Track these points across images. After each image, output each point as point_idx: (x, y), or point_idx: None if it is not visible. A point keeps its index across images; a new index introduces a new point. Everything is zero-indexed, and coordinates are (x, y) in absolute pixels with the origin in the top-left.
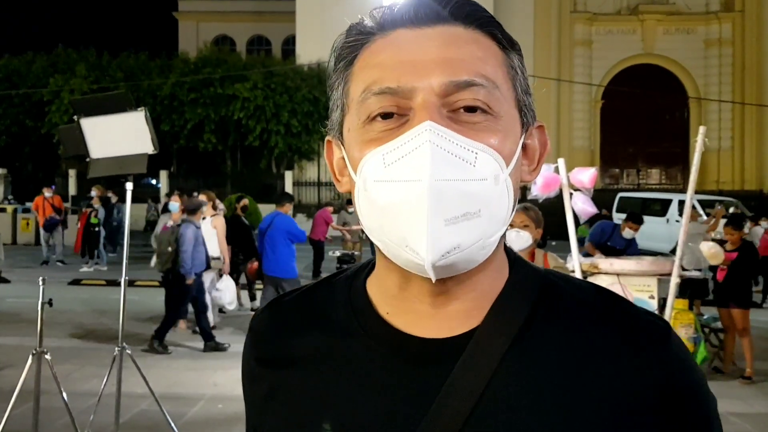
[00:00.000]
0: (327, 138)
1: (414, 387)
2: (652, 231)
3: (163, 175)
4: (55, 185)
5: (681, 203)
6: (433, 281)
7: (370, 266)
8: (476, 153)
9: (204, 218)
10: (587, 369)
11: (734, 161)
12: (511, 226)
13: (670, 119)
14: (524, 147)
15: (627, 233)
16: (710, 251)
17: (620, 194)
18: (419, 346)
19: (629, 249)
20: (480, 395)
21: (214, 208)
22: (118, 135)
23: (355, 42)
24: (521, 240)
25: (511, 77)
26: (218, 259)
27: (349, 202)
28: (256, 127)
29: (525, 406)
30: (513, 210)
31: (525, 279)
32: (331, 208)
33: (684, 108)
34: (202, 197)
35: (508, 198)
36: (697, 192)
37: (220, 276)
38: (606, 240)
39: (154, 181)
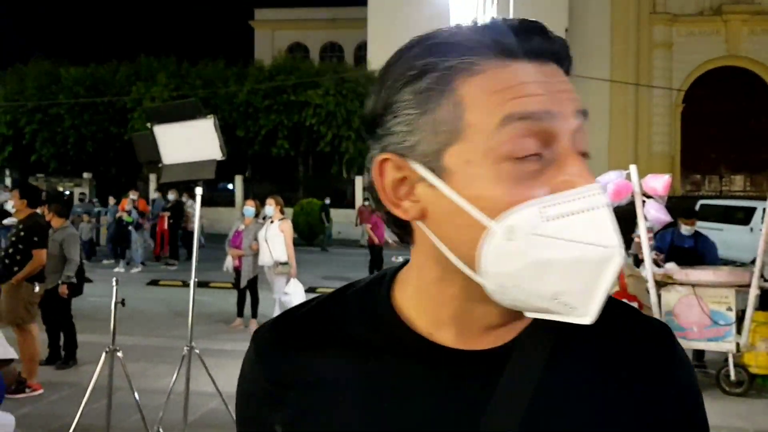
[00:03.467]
0: (383, 156)
1: (460, 401)
2: (735, 240)
3: (238, 180)
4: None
5: (765, 211)
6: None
7: (388, 278)
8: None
9: (272, 222)
10: (620, 372)
11: None
12: None
13: (755, 123)
14: None
15: (685, 230)
16: None
17: (701, 201)
18: (459, 358)
19: (700, 244)
20: (529, 404)
21: (282, 212)
22: (189, 141)
23: (460, 64)
24: None
25: None
26: (286, 264)
27: None
28: (327, 133)
29: (567, 411)
30: None
31: None
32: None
33: None
34: (270, 201)
35: None
36: None
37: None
38: (671, 244)
39: (230, 186)
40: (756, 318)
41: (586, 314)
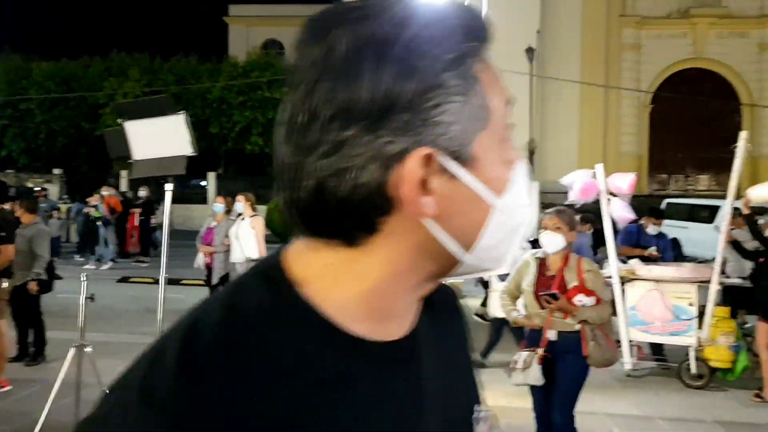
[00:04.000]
0: (425, 151)
1: (400, 395)
2: (699, 238)
3: (211, 176)
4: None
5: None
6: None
7: (287, 286)
8: None
9: (243, 219)
10: (454, 340)
11: None
12: (545, 228)
13: (721, 124)
14: None
15: (652, 229)
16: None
17: (667, 200)
18: (388, 349)
19: (661, 243)
20: (441, 389)
21: (253, 209)
22: (159, 137)
23: (472, 48)
24: (553, 243)
25: None
26: (257, 260)
27: None
28: None
29: (450, 390)
30: None
31: None
32: None
33: (736, 113)
34: (240, 198)
35: None
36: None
37: None
38: (636, 240)
39: (203, 183)
40: (716, 313)
41: (505, 264)
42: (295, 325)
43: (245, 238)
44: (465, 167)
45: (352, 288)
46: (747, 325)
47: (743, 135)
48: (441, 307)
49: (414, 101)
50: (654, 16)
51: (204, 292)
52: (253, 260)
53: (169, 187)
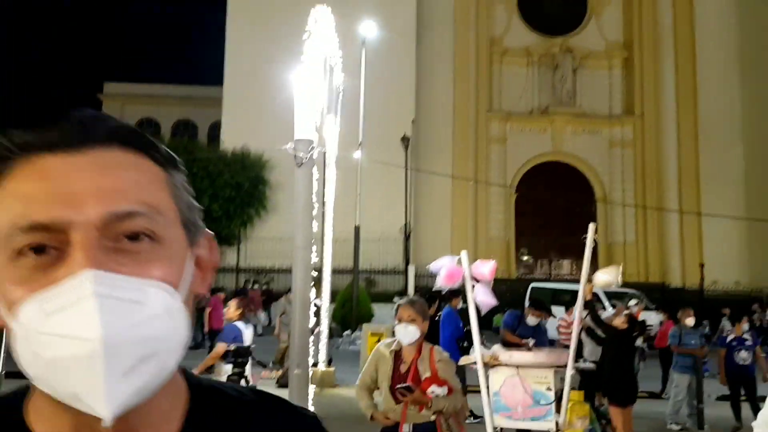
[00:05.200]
0: None
1: None
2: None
3: None
4: None
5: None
6: (110, 428)
7: (20, 395)
8: (144, 290)
9: None
10: None
11: (638, 254)
12: (399, 320)
13: (579, 213)
14: (196, 259)
15: (531, 320)
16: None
17: (532, 284)
18: None
19: (537, 336)
20: None
21: None
22: None
23: None
24: (409, 334)
25: (174, 196)
26: None
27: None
28: None
29: None
30: (190, 331)
31: (202, 392)
32: (222, 295)
33: (592, 202)
34: None
35: (183, 325)
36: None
37: None
38: (515, 329)
39: None
40: (572, 397)
41: (103, 416)
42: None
43: None
44: None
45: (37, 398)
46: (603, 408)
47: (591, 227)
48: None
49: None
50: (518, 112)
51: None
52: None
53: None
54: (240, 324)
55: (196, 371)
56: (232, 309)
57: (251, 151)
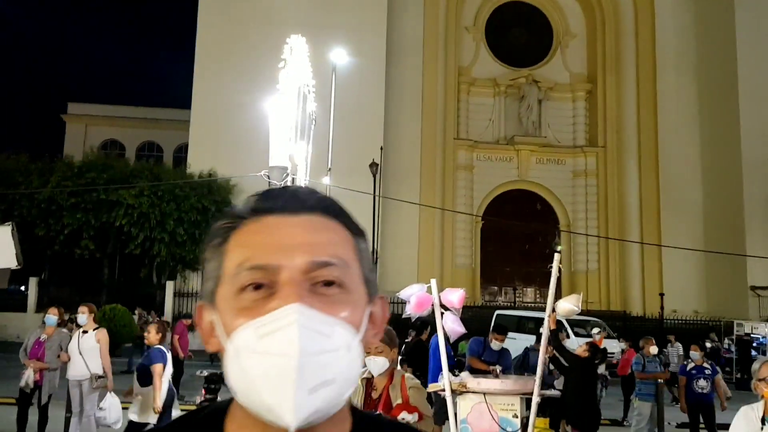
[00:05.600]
0: (200, 303)
1: None
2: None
3: (33, 282)
4: None
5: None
6: None
7: (223, 407)
8: (333, 327)
9: (85, 332)
10: None
11: (600, 283)
12: (367, 353)
13: (543, 241)
14: (370, 315)
15: (495, 345)
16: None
17: (497, 311)
18: None
19: (502, 361)
20: None
21: (95, 320)
22: None
23: (230, 224)
24: (378, 366)
25: (359, 258)
26: (103, 377)
27: None
28: (139, 234)
29: None
30: (361, 367)
31: (363, 421)
32: (188, 321)
33: (555, 231)
34: (83, 309)
35: (358, 361)
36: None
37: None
38: (480, 354)
39: (22, 288)
40: (537, 424)
41: (288, 425)
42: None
43: (90, 353)
44: (217, 313)
45: (233, 414)
46: None
47: (557, 256)
48: None
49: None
50: (484, 141)
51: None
52: (100, 376)
53: None
54: (163, 348)
55: (158, 403)
56: (152, 333)
57: (218, 174)
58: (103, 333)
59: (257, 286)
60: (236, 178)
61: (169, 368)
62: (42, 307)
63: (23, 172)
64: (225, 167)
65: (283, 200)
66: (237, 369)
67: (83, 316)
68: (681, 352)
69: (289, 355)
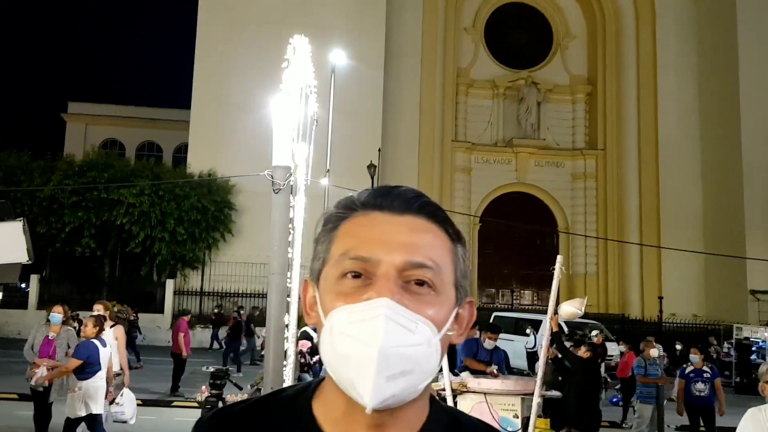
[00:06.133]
0: (306, 278)
1: None
2: (523, 350)
3: (34, 279)
4: None
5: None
6: (369, 413)
7: (312, 387)
8: (417, 323)
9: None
10: None
11: (599, 286)
12: None
13: (541, 244)
14: (457, 315)
15: (488, 344)
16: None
17: (495, 313)
18: None
19: (495, 358)
20: None
21: (111, 318)
22: None
23: (343, 213)
24: None
25: (454, 263)
26: (120, 374)
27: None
28: (139, 233)
29: None
30: (440, 364)
31: (439, 413)
32: (187, 317)
33: (554, 234)
34: (98, 307)
35: (437, 356)
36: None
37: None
38: (474, 354)
39: (23, 285)
40: (538, 425)
41: (366, 404)
42: (290, 416)
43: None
44: (319, 291)
45: (323, 390)
46: None
47: (559, 259)
48: None
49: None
50: (482, 143)
51: (19, 407)
52: (117, 373)
53: None
54: (97, 342)
55: (44, 376)
56: (89, 327)
57: (218, 174)
58: (120, 330)
59: (357, 275)
60: (235, 178)
61: (106, 358)
62: (43, 304)
63: (25, 170)
64: (225, 167)
65: (391, 199)
66: (329, 344)
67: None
68: (662, 352)
69: (371, 344)
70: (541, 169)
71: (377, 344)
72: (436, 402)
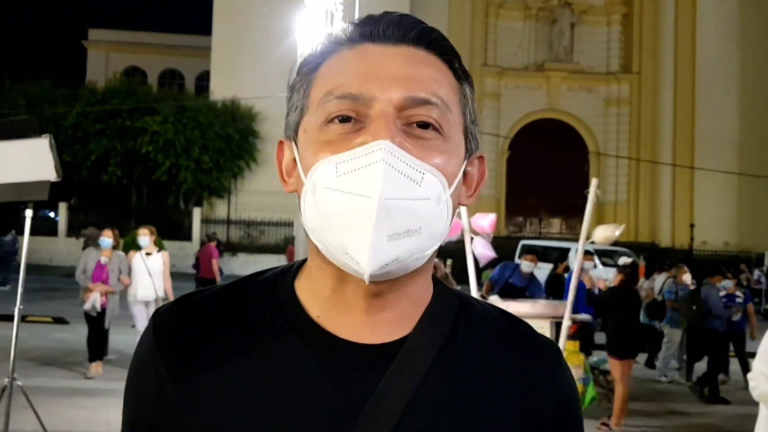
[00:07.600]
0: (280, 139)
1: (347, 391)
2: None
3: (62, 207)
4: None
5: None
6: (367, 283)
7: (295, 268)
8: (423, 174)
9: (149, 254)
10: (500, 378)
11: (629, 214)
12: None
13: (570, 172)
14: (465, 173)
15: (526, 267)
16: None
17: (522, 242)
18: (353, 350)
19: (531, 286)
20: (409, 401)
21: (156, 243)
22: (20, 161)
23: (323, 50)
24: None
25: (462, 105)
26: (167, 299)
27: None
28: (165, 161)
29: (446, 411)
30: (449, 226)
31: (446, 293)
32: (214, 243)
33: (584, 162)
34: (144, 231)
35: (447, 216)
36: (594, 242)
37: None
38: (508, 278)
39: (52, 214)
40: (567, 347)
41: (363, 269)
42: (269, 298)
43: (159, 275)
44: (297, 149)
45: (306, 270)
46: (594, 359)
47: (594, 182)
48: (513, 347)
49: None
50: (513, 68)
51: (52, 330)
52: (164, 299)
53: (28, 213)
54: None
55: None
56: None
57: (241, 102)
58: (167, 256)
59: (345, 119)
60: (259, 106)
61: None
62: (73, 232)
63: (48, 97)
64: (248, 94)
65: (383, 27)
66: (312, 206)
67: (145, 238)
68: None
69: (369, 196)
70: (573, 94)
71: (376, 194)
72: (440, 281)
